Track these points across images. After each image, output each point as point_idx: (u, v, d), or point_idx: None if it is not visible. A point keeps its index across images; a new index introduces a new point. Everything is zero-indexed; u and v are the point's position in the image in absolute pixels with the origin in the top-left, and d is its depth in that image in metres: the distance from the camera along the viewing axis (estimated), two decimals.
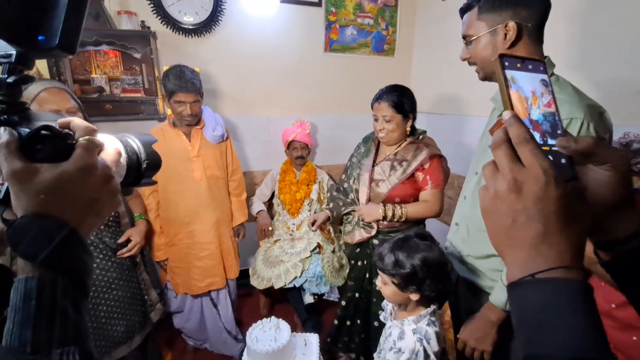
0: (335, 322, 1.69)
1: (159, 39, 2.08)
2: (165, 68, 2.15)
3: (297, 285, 1.89)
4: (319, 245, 2.01)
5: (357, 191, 1.57)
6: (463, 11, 0.96)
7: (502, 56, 0.38)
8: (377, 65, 2.64)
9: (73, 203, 0.34)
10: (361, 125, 2.64)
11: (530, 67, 0.40)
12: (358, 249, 1.62)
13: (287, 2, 2.31)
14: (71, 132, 0.37)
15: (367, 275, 1.57)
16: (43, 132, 0.35)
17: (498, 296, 0.94)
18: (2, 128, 0.34)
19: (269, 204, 2.43)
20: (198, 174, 1.74)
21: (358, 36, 2.51)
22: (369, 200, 1.52)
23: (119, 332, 1.25)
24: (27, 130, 0.34)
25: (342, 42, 2.48)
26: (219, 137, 1.80)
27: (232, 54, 2.29)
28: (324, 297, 1.96)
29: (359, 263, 1.61)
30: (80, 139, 0.36)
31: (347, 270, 1.76)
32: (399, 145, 1.51)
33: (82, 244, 0.35)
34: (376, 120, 1.51)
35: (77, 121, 0.37)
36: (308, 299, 1.97)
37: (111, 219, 1.32)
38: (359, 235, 1.55)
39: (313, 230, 1.88)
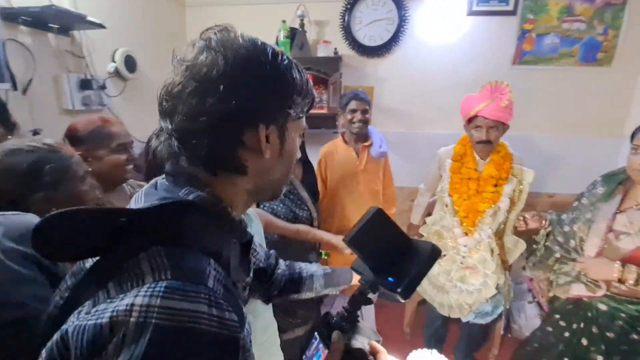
0: None
1: (344, 61, 2.32)
2: (345, 86, 2.41)
3: (462, 320, 1.68)
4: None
5: (581, 240, 1.30)
6: None
7: None
8: (583, 78, 2.17)
9: None
10: (552, 149, 2.25)
11: None
12: (571, 306, 1.35)
13: (474, 14, 2.17)
14: None
15: (585, 343, 1.29)
16: (357, 354, 0.49)
17: None
18: (337, 332, 0.50)
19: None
20: (362, 187, 1.88)
21: (560, 45, 2.12)
22: (600, 254, 1.24)
23: (300, 315, 1.54)
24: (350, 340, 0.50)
25: (537, 52, 2.15)
26: (383, 153, 1.89)
27: (407, 71, 2.33)
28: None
29: (574, 326, 1.33)
30: None
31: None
32: None
33: None
34: (638, 152, 1.18)
35: (383, 357, 0.50)
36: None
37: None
38: (577, 290, 1.29)
39: (521, 228, 1.45)
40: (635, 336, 1.19)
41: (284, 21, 2.20)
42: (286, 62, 0.48)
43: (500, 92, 1.45)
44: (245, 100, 0.45)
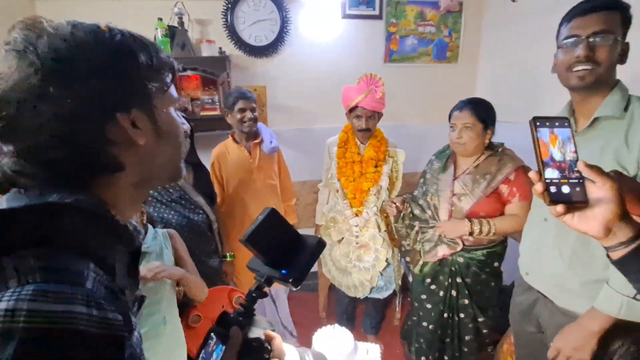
0: (423, 346, 1.65)
1: (232, 61, 2.30)
2: (236, 87, 2.39)
3: (361, 298, 1.88)
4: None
5: (435, 207, 1.53)
6: (601, 8, 0.91)
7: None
8: (438, 73, 2.59)
9: None
10: (421, 134, 2.62)
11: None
12: (438, 266, 1.56)
13: (348, 17, 2.39)
14: (269, 348, 0.53)
15: (455, 294, 1.52)
16: (254, 344, 0.53)
17: (606, 303, 0.89)
18: (235, 327, 0.52)
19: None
20: (259, 183, 1.91)
21: (419, 45, 2.49)
22: (450, 216, 1.48)
23: None
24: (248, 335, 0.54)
25: (402, 52, 2.49)
26: (275, 148, 1.94)
27: (295, 70, 2.43)
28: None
29: (445, 283, 1.54)
30: None
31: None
32: (478, 158, 1.46)
33: None
34: (454, 129, 1.47)
35: (277, 342, 0.54)
36: None
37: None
38: (442, 251, 1.50)
39: (393, 214, 1.64)
40: (483, 276, 1.50)
41: (160, 19, 2.06)
42: (119, 37, 0.43)
43: (375, 85, 1.69)
44: (85, 95, 0.39)
